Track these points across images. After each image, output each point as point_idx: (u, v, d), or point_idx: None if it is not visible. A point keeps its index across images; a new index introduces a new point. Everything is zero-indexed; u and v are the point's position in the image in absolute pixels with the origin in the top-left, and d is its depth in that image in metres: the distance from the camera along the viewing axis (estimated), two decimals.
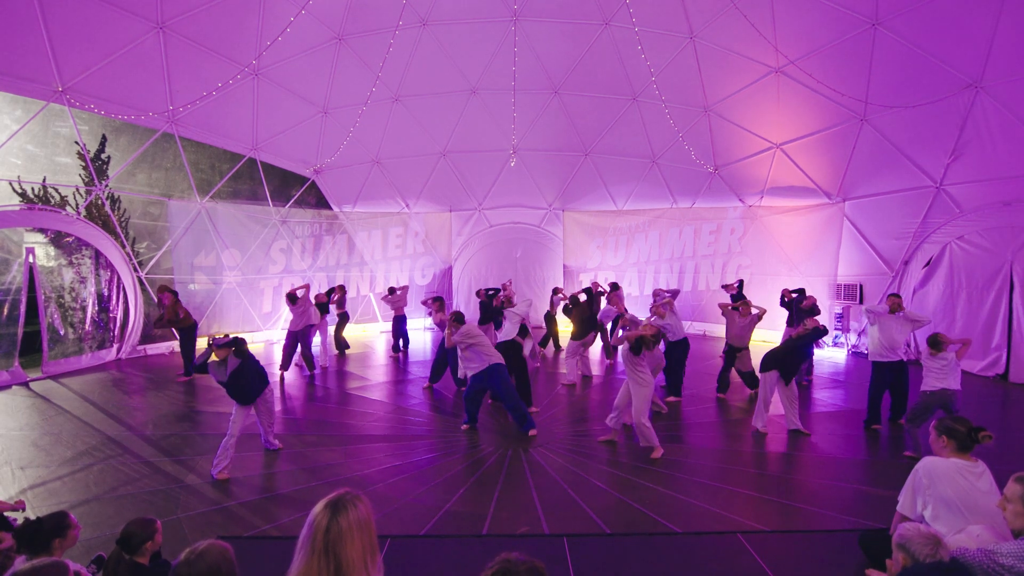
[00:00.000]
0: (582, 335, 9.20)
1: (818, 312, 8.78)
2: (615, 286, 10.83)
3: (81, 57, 9.35)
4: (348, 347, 12.06)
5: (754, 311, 8.28)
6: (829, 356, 11.34)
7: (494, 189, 15.53)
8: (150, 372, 9.84)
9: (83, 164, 10.73)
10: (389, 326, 12.34)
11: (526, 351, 7.96)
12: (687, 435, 6.77)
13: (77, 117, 10.27)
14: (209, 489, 5.22)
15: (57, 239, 10.10)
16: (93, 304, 10.55)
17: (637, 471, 5.64)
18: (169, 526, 4.13)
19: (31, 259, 9.55)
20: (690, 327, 13.17)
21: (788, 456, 6.16)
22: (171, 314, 9.38)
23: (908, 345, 10.44)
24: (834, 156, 11.66)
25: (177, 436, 6.66)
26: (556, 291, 11.97)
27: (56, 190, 10.47)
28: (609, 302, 10.46)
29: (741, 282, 11.52)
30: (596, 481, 5.40)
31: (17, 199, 9.96)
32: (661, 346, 7.36)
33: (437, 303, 9.88)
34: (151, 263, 11.78)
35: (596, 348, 11.45)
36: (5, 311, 9.25)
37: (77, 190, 10.73)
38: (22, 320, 9.31)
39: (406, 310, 12.18)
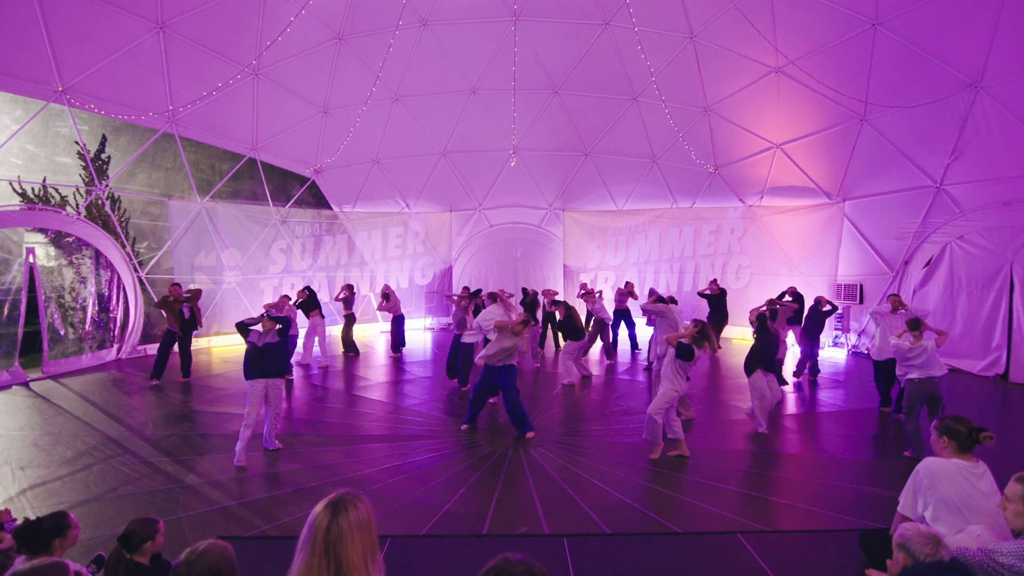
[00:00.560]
0: (576, 339, 9.21)
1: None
2: (627, 286, 11.60)
3: (81, 57, 9.35)
4: (356, 351, 11.70)
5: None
6: (829, 356, 11.33)
7: (494, 189, 15.53)
8: (150, 372, 9.83)
9: (83, 164, 10.72)
10: (389, 326, 12.24)
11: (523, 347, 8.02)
12: (687, 435, 6.76)
13: (77, 117, 10.27)
14: (209, 489, 5.21)
15: (57, 239, 10.10)
16: (93, 304, 10.55)
17: (637, 471, 5.64)
18: (169, 526, 4.12)
19: (31, 259, 9.54)
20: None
21: (788, 456, 6.16)
22: (182, 298, 9.29)
23: None
24: (834, 156, 11.67)
25: (177, 436, 6.65)
26: (545, 292, 11.98)
27: (56, 190, 10.46)
28: (586, 302, 10.72)
29: (714, 281, 11.96)
30: (596, 481, 5.40)
31: (17, 199, 9.95)
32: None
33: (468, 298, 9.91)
34: (151, 263, 11.78)
35: (596, 348, 11.45)
36: (5, 311, 9.25)
37: (77, 190, 10.72)
38: (22, 320, 9.31)
39: (403, 310, 12.14)
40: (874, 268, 11.43)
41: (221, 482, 5.36)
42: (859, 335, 11.78)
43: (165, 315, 9.43)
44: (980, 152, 9.43)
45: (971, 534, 2.95)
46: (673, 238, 14.66)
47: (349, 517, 1.71)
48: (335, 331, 14.12)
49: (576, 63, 12.79)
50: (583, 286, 12.48)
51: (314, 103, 12.76)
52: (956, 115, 9.43)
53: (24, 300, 9.37)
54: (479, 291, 10.95)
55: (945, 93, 9.41)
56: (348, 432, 6.88)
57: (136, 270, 11.37)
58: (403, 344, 11.79)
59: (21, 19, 8.43)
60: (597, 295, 11.15)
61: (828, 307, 9.41)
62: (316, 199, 14.72)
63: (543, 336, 12.54)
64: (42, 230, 9.90)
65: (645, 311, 9.29)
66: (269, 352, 5.99)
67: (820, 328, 9.52)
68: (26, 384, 9.00)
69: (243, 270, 13.14)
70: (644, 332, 11.80)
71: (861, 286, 11.64)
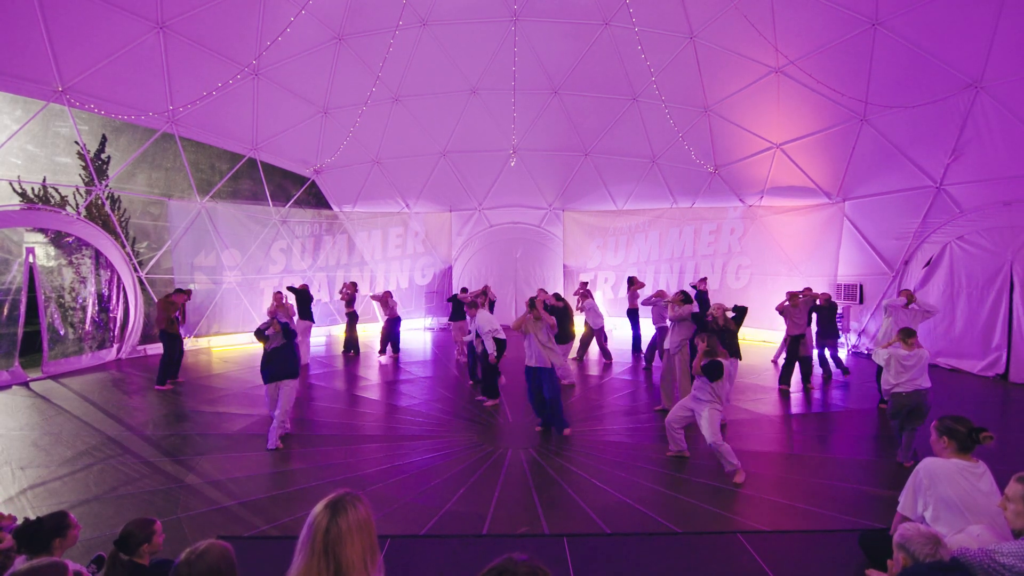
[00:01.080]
0: (560, 342, 9.23)
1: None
2: (631, 280, 11.55)
3: (81, 57, 9.35)
4: (357, 351, 11.66)
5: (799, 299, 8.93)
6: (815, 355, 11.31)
7: (494, 189, 15.53)
8: (150, 372, 9.83)
9: (83, 164, 10.72)
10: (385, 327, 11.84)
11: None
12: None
13: (77, 117, 10.27)
14: (209, 489, 5.21)
15: (57, 239, 10.10)
16: (93, 304, 10.55)
17: (637, 471, 5.64)
18: (169, 526, 4.12)
19: (31, 259, 9.54)
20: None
21: (788, 456, 6.16)
22: (172, 308, 9.21)
23: None
24: (834, 156, 11.66)
25: (177, 436, 6.65)
26: (539, 293, 11.95)
27: (56, 190, 10.47)
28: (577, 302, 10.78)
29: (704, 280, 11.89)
30: (596, 481, 5.40)
31: (17, 199, 9.95)
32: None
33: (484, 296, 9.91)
34: (151, 263, 11.78)
35: (595, 348, 11.43)
36: (5, 311, 9.25)
37: (77, 190, 10.72)
38: (22, 320, 9.31)
39: (400, 311, 12.04)
40: (874, 268, 11.43)
41: (221, 482, 5.36)
42: (859, 335, 11.78)
43: (164, 317, 9.27)
44: (980, 152, 9.43)
45: (971, 534, 2.95)
46: (673, 238, 14.65)
47: (348, 517, 1.71)
48: (335, 331, 14.13)
49: (576, 63, 12.79)
50: (583, 285, 12.48)
51: (314, 103, 12.76)
52: (956, 115, 9.43)
53: (24, 300, 9.37)
54: (465, 289, 11.31)
55: (945, 93, 9.41)
56: (348, 432, 6.89)
57: (136, 270, 11.37)
58: (397, 349, 11.43)
59: (21, 19, 8.43)
60: (589, 299, 11.14)
61: (826, 303, 9.41)
62: (316, 199, 14.73)
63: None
64: (42, 230, 9.90)
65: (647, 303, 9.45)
66: (275, 355, 6.30)
67: (834, 326, 9.47)
68: (26, 384, 9.00)
69: (243, 270, 13.14)
70: (646, 333, 11.76)
71: (861, 286, 11.64)
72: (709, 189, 13.99)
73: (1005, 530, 2.89)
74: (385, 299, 11.71)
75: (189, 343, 11.88)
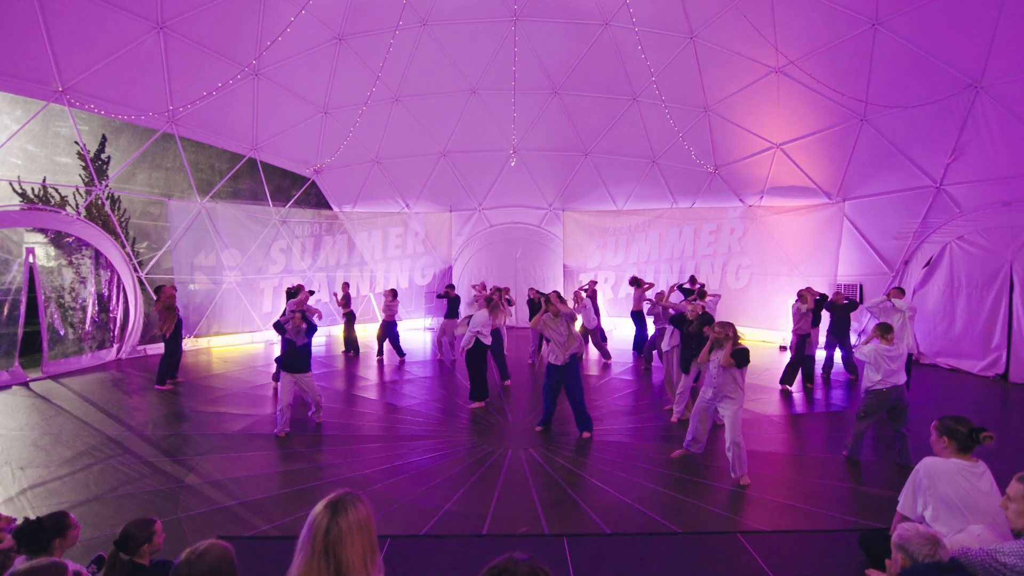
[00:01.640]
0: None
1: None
2: (637, 281, 11.60)
3: (81, 57, 9.34)
4: (357, 351, 11.61)
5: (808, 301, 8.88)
6: (824, 356, 11.31)
7: (494, 189, 15.53)
8: (150, 372, 9.83)
9: (83, 164, 10.72)
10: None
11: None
12: (685, 434, 6.76)
13: (77, 117, 10.27)
14: (209, 489, 5.22)
15: (57, 239, 10.10)
16: (93, 304, 10.55)
17: (637, 471, 5.64)
18: (169, 526, 4.13)
19: (31, 259, 9.54)
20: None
21: (788, 456, 6.16)
22: (164, 308, 9.13)
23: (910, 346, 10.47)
24: (834, 156, 11.66)
25: (177, 436, 6.65)
26: (529, 291, 12.04)
27: (56, 190, 10.47)
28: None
29: (692, 278, 11.95)
30: (596, 481, 5.40)
31: (17, 199, 9.95)
32: None
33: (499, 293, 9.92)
34: (151, 263, 11.78)
35: (594, 350, 11.43)
36: (5, 311, 9.24)
37: (77, 190, 10.72)
38: (22, 320, 9.30)
39: (402, 312, 12.00)
40: (874, 268, 11.43)
41: (221, 482, 5.36)
42: (859, 335, 11.77)
43: (167, 321, 9.17)
44: (980, 152, 9.43)
45: (971, 534, 2.95)
46: (673, 238, 14.65)
47: (349, 517, 1.71)
48: (335, 331, 14.12)
49: (576, 63, 12.79)
50: (592, 283, 12.61)
51: (314, 103, 12.76)
52: (956, 115, 9.42)
53: (24, 300, 9.37)
54: (452, 286, 11.50)
55: (945, 93, 9.41)
56: (348, 432, 6.89)
57: (136, 270, 11.36)
58: (401, 352, 11.20)
59: (21, 19, 8.43)
60: (582, 299, 11.12)
61: (846, 301, 9.37)
62: (316, 199, 14.73)
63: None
64: (42, 230, 9.90)
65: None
66: (293, 349, 6.72)
67: (846, 325, 9.36)
68: (26, 384, 9.00)
69: (243, 270, 13.14)
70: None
71: (861, 286, 11.64)
72: (709, 189, 13.99)
73: (1005, 529, 2.89)
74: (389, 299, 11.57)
75: (189, 343, 11.89)
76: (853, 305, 9.40)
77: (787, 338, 10.83)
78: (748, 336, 12.12)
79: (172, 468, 5.68)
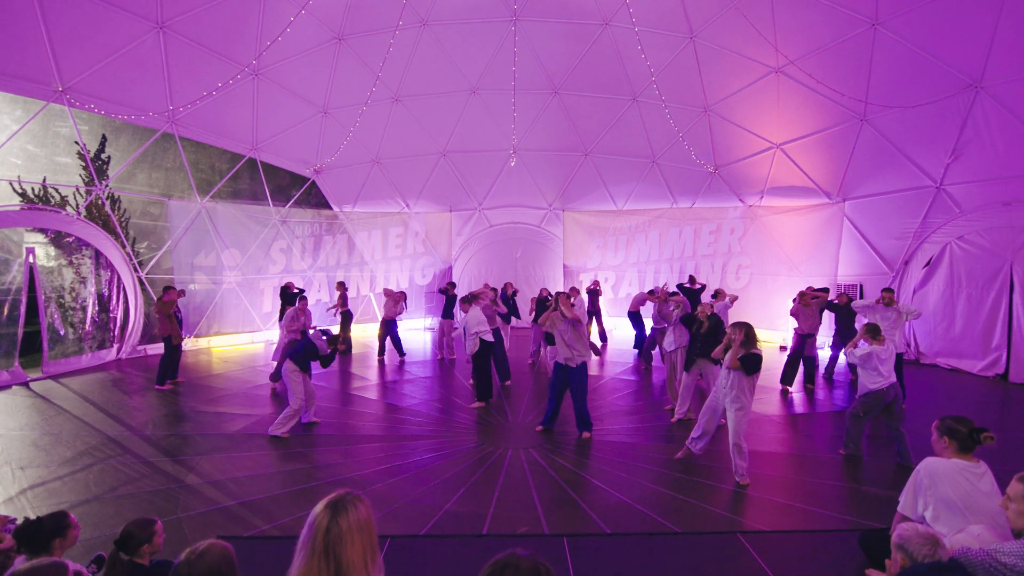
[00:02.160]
0: (547, 342, 9.32)
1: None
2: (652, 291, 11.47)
3: (81, 57, 9.34)
4: (350, 348, 11.67)
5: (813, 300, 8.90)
6: (829, 356, 11.31)
7: (494, 189, 15.52)
8: (150, 372, 9.83)
9: (83, 164, 10.72)
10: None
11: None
12: (687, 435, 6.76)
13: (77, 117, 10.27)
14: (209, 489, 5.21)
15: (57, 239, 10.10)
16: (93, 304, 10.55)
17: (637, 471, 5.64)
18: (169, 526, 4.12)
19: (31, 259, 9.54)
20: None
21: (788, 456, 6.16)
22: (163, 315, 9.11)
23: (908, 345, 10.47)
24: (834, 156, 11.66)
25: (177, 436, 6.65)
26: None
27: (56, 190, 10.46)
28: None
29: (691, 278, 11.92)
30: (596, 481, 5.40)
31: (17, 199, 9.95)
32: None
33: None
34: (151, 263, 11.78)
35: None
36: (5, 311, 9.24)
37: (77, 190, 10.72)
38: (22, 320, 9.30)
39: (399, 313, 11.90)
40: (874, 268, 11.43)
41: (221, 482, 5.36)
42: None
43: (168, 323, 9.11)
44: (980, 152, 9.43)
45: (971, 534, 2.95)
46: (673, 238, 14.65)
47: (349, 517, 1.71)
48: (334, 330, 14.09)
49: (576, 63, 12.78)
50: (595, 283, 12.67)
51: (314, 103, 12.76)
52: (956, 115, 9.42)
53: (24, 300, 9.37)
54: (453, 284, 11.65)
55: (945, 93, 9.41)
56: (348, 432, 6.88)
57: (136, 270, 11.36)
58: (402, 352, 11.20)
59: (21, 19, 8.42)
60: (574, 299, 11.09)
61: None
62: (316, 199, 14.72)
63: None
64: (42, 230, 9.90)
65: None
66: (309, 350, 6.85)
67: (853, 327, 9.24)
68: (26, 384, 9.00)
69: (243, 270, 13.14)
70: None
71: (861, 286, 11.63)
72: (709, 189, 13.99)
73: (1005, 530, 2.89)
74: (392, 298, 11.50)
75: (189, 343, 11.89)
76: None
77: (787, 338, 10.82)
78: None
79: (172, 468, 5.68)
